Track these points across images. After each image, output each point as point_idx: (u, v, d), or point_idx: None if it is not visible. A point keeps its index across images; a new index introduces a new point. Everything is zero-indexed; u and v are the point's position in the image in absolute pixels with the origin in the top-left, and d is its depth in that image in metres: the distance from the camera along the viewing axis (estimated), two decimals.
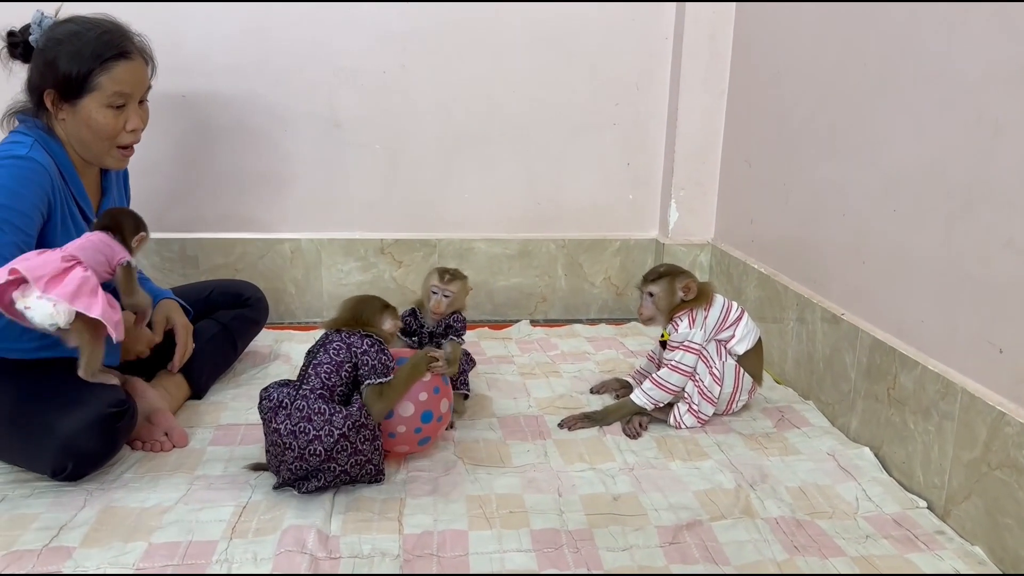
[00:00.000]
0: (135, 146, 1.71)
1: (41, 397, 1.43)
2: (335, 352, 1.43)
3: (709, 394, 1.74)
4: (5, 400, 1.48)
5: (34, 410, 1.43)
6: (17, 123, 1.65)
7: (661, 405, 1.74)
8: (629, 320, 2.53)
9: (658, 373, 1.74)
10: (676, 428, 1.75)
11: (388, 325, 1.52)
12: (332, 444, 1.35)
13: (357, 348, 1.44)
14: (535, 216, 2.56)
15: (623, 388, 1.93)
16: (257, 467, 1.52)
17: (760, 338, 1.81)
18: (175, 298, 1.84)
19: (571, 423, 1.74)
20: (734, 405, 1.80)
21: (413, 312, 1.81)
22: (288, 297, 2.49)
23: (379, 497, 1.44)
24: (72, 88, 1.57)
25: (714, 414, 1.79)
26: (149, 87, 1.69)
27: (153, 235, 2.32)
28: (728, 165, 2.44)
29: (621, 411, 1.76)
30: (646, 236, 2.61)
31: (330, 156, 2.43)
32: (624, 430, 1.72)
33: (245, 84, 2.33)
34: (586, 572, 1.25)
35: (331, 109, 2.39)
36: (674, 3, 2.42)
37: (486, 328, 2.41)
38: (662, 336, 1.79)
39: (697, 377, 1.74)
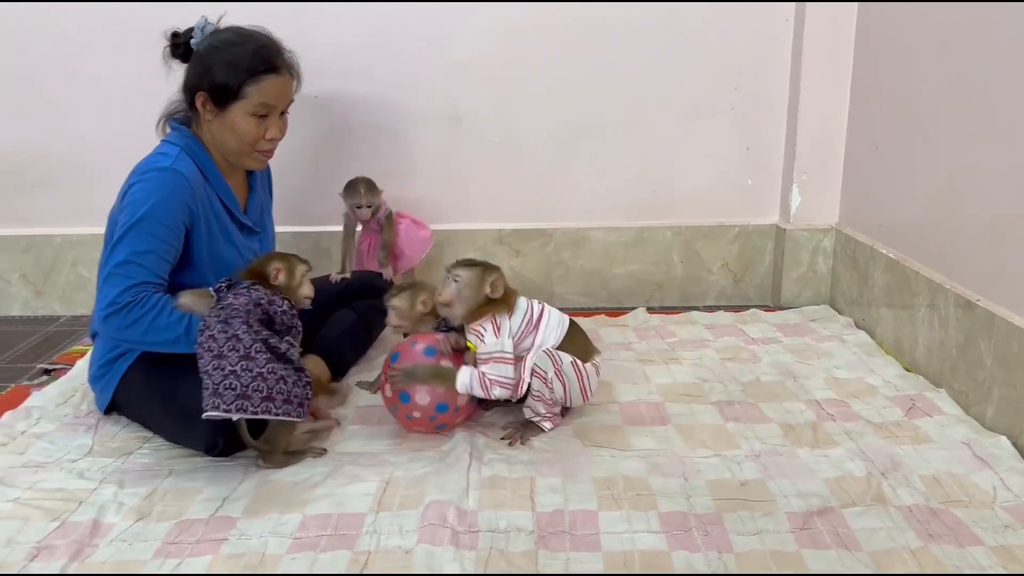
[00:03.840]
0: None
1: (195, 379, 1.56)
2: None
3: (551, 400, 1.65)
4: (166, 382, 1.63)
5: (189, 391, 1.54)
6: (169, 130, 1.78)
7: (468, 394, 1.63)
8: (748, 307, 2.51)
9: (486, 373, 1.59)
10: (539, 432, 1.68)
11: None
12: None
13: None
14: (650, 203, 2.57)
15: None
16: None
17: (570, 320, 1.69)
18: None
19: (395, 377, 1.62)
20: (589, 393, 1.69)
21: None
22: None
23: (511, 476, 1.50)
24: (223, 95, 1.69)
25: (577, 405, 1.73)
26: (291, 101, 1.80)
27: (290, 229, 2.50)
28: (853, 148, 2.38)
29: (440, 378, 1.61)
30: (766, 222, 2.57)
31: (451, 151, 2.52)
32: (509, 437, 1.66)
33: (371, 85, 2.44)
34: (583, 573, 1.26)
35: (451, 105, 2.47)
36: None
37: (602, 316, 2.45)
38: (467, 345, 1.65)
39: (536, 392, 1.63)
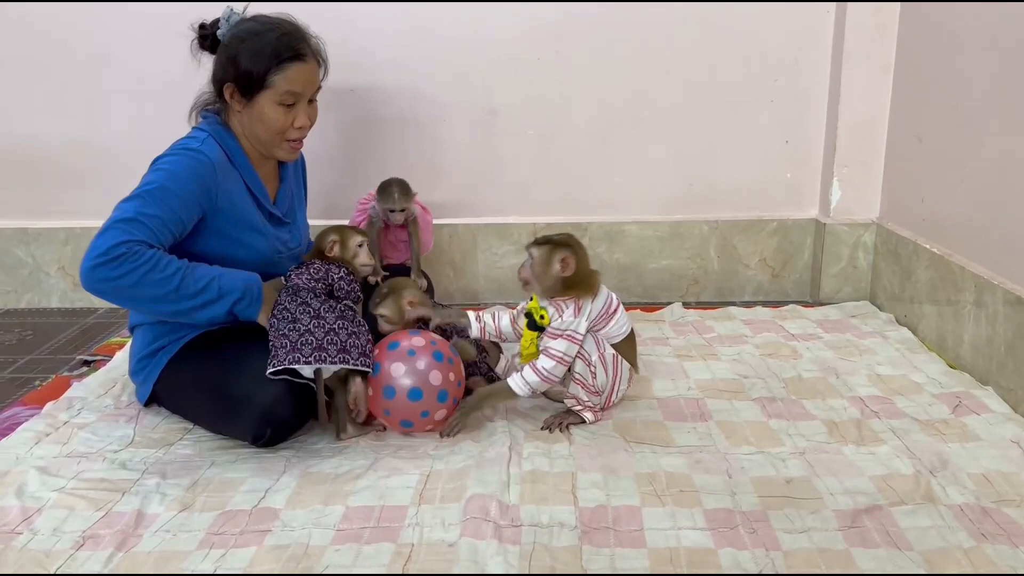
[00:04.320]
0: (305, 140, 1.81)
1: (242, 370, 1.56)
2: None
3: (593, 387, 1.66)
4: (210, 373, 1.63)
5: (237, 382, 1.56)
6: (200, 119, 1.79)
7: (537, 393, 1.66)
8: (787, 303, 2.48)
9: (535, 361, 1.62)
10: (580, 423, 1.68)
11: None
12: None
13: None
14: (687, 197, 2.55)
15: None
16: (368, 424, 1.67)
17: (632, 328, 1.71)
18: None
19: (451, 429, 1.65)
20: (615, 396, 1.70)
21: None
22: (446, 280, 2.58)
23: (552, 471, 1.49)
24: (250, 84, 1.68)
25: (600, 408, 1.70)
26: (319, 87, 1.78)
27: (322, 222, 2.50)
28: (895, 141, 2.34)
29: (495, 398, 1.68)
30: (805, 216, 2.54)
31: (486, 143, 2.51)
32: (548, 424, 1.67)
33: (406, 77, 2.44)
34: (581, 573, 1.25)
35: (487, 97, 2.46)
36: None
37: (638, 310, 2.42)
38: (531, 307, 1.65)
39: (578, 375, 1.64)
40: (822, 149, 2.48)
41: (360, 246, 1.75)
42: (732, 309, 2.42)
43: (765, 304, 2.49)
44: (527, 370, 1.62)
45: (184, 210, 1.60)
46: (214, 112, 1.77)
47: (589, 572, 1.22)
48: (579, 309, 1.61)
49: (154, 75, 2.45)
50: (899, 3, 2.27)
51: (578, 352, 1.63)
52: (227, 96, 1.71)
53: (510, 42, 2.41)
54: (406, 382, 1.57)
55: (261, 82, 1.67)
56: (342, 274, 1.68)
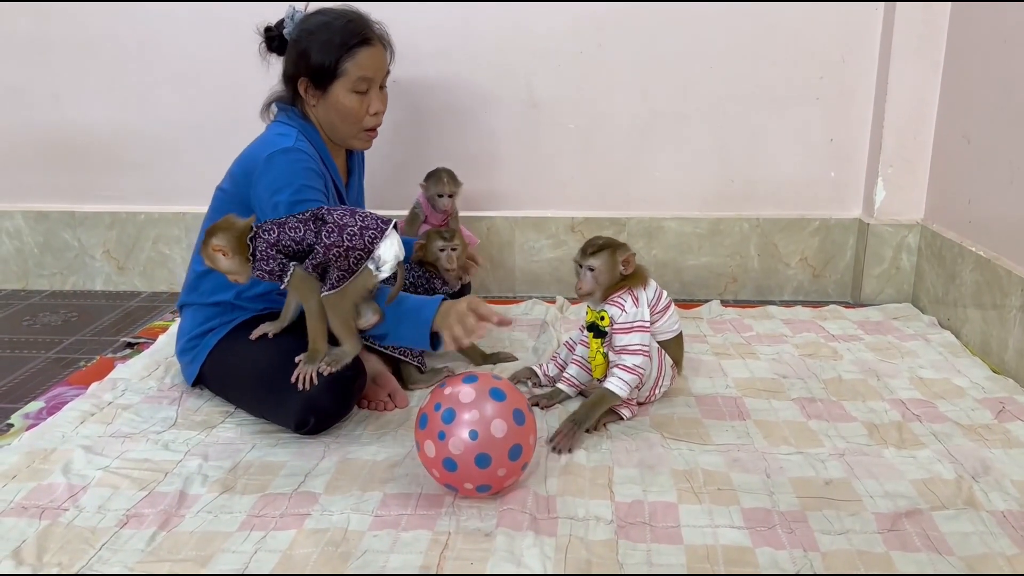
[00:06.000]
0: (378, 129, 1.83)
1: (289, 358, 1.58)
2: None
3: (639, 371, 1.64)
4: (258, 362, 1.65)
5: (283, 372, 1.58)
6: (275, 111, 1.80)
7: (636, 390, 1.65)
8: (828, 303, 2.45)
9: (620, 359, 1.62)
10: (618, 420, 1.67)
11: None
12: None
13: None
14: (728, 194, 2.53)
15: (533, 376, 1.84)
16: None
17: (681, 331, 1.76)
18: None
19: (559, 441, 1.55)
20: (657, 390, 1.71)
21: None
22: (483, 272, 2.58)
23: (588, 465, 1.49)
24: (323, 75, 1.70)
25: (639, 403, 1.71)
26: (388, 72, 1.80)
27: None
28: (942, 141, 2.30)
29: (602, 405, 1.62)
30: (848, 215, 2.50)
31: (526, 136, 2.51)
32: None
33: (449, 69, 2.44)
34: (617, 572, 1.24)
35: (528, 90, 2.46)
36: None
37: (676, 307, 2.40)
38: (590, 319, 1.66)
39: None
40: (867, 148, 2.45)
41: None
42: (771, 308, 2.39)
43: (805, 304, 2.47)
44: (619, 372, 1.61)
45: (323, 198, 1.65)
46: (290, 104, 1.78)
47: (625, 567, 1.22)
48: (637, 300, 1.65)
49: (200, 65, 2.50)
50: (950, 2, 2.23)
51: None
52: (301, 90, 1.74)
53: (554, 33, 2.41)
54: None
55: (333, 71, 1.70)
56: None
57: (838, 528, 1.30)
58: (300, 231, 1.47)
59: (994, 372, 1.90)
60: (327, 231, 1.46)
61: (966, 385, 1.83)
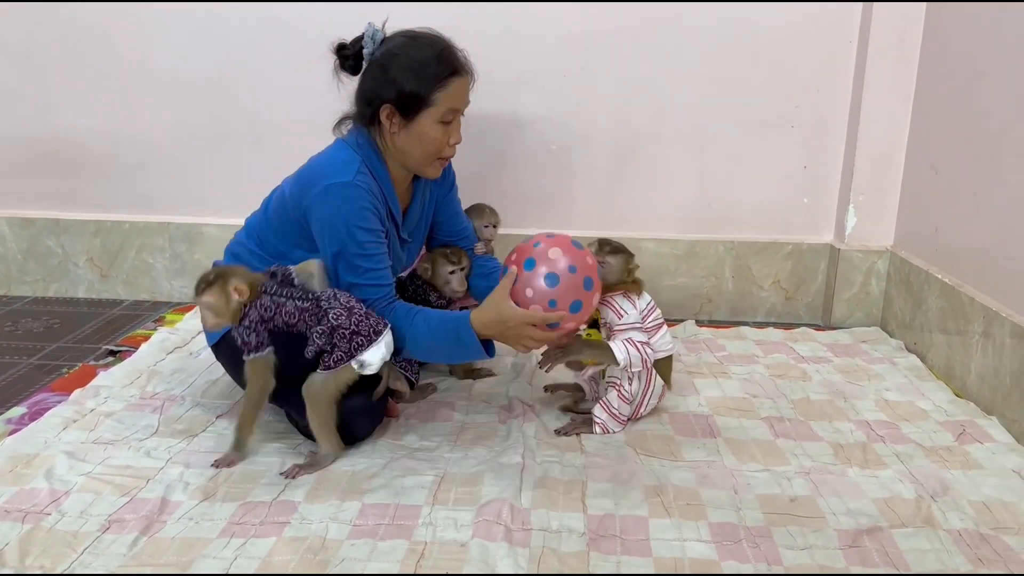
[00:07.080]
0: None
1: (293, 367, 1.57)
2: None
3: (627, 395, 1.71)
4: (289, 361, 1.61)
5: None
6: (346, 129, 1.73)
7: (634, 370, 1.69)
8: (798, 325, 2.51)
9: (633, 336, 1.69)
10: (603, 434, 1.72)
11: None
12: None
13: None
14: (705, 217, 2.59)
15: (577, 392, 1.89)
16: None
17: (672, 352, 1.79)
18: None
19: (546, 363, 1.69)
20: (643, 408, 1.76)
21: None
22: None
23: (563, 478, 1.54)
24: (413, 104, 1.61)
25: (628, 419, 1.77)
26: (469, 102, 1.73)
27: None
28: (912, 171, 2.38)
29: (596, 349, 1.70)
30: (820, 241, 2.57)
31: (507, 156, 2.56)
32: (558, 430, 1.73)
33: None
34: (588, 574, 1.29)
35: (512, 110, 2.51)
36: (861, 3, 2.38)
37: None
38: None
39: (617, 380, 1.71)
40: (839, 176, 2.53)
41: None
42: (744, 329, 2.45)
43: (777, 326, 2.53)
44: (625, 342, 1.67)
45: (379, 239, 1.66)
46: (363, 125, 1.69)
47: (595, 575, 1.26)
48: (633, 304, 1.71)
49: (187, 75, 2.52)
50: (921, 36, 2.31)
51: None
52: (383, 117, 1.64)
53: (537, 57, 2.46)
54: (563, 264, 1.55)
55: (424, 101, 1.61)
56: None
57: (801, 543, 1.35)
58: (295, 317, 1.55)
59: (957, 396, 1.96)
60: (319, 332, 1.54)
61: (929, 408, 1.89)
